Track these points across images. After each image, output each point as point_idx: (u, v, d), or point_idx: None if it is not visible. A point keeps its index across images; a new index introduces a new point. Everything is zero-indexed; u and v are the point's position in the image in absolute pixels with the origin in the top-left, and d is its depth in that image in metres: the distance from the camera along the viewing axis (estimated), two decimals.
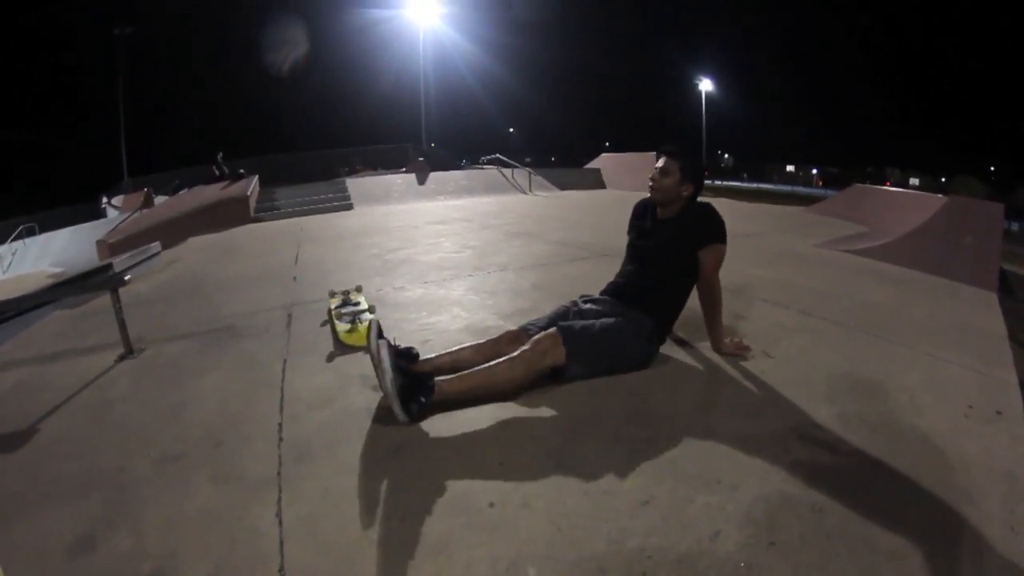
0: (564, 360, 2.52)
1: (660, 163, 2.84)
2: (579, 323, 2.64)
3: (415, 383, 2.23)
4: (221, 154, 19.10)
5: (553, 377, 2.56)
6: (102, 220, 17.69)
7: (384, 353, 2.17)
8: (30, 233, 18.47)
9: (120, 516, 1.84)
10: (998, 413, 2.34)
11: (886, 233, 6.36)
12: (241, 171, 14.45)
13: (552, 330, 2.55)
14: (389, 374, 2.15)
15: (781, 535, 1.63)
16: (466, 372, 2.38)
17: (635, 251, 3.01)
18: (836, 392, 2.53)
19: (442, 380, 2.29)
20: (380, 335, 2.43)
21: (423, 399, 2.25)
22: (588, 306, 2.89)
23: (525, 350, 2.46)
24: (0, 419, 2.62)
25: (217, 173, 17.95)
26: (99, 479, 2.07)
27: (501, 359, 2.45)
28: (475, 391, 2.38)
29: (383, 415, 2.38)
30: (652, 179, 2.87)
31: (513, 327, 2.85)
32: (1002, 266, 4.95)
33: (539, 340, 2.50)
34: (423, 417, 2.29)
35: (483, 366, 2.43)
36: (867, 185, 9.61)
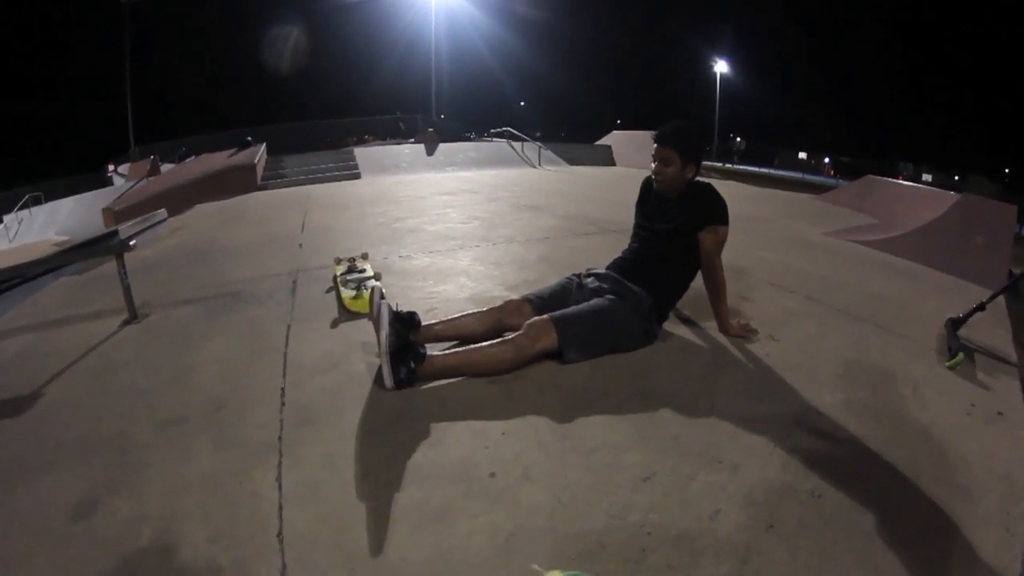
0: (557, 346, 2.50)
1: (657, 151, 2.79)
2: (572, 310, 2.60)
3: (408, 348, 2.24)
4: (399, 112, 19.48)
5: (554, 358, 2.54)
6: (108, 188, 17.61)
7: (384, 313, 2.18)
8: (36, 202, 18.40)
9: (121, 481, 1.85)
10: (999, 414, 2.32)
11: (896, 226, 6.28)
12: (249, 138, 14.36)
13: (545, 317, 2.52)
14: (386, 330, 2.16)
15: (780, 518, 1.63)
16: (457, 349, 2.38)
17: (639, 230, 2.99)
18: (840, 379, 2.51)
19: (433, 352, 2.29)
20: (382, 299, 2.43)
21: (412, 364, 2.26)
22: (591, 280, 2.88)
23: (519, 335, 2.45)
24: (5, 385, 2.62)
25: (402, 128, 18.20)
26: (101, 444, 2.07)
27: (493, 341, 2.43)
28: (462, 368, 2.37)
29: None
30: (655, 172, 2.83)
31: (517, 297, 2.85)
32: (1010, 269, 4.89)
33: (532, 325, 2.48)
34: (410, 384, 2.30)
35: (474, 346, 2.41)
36: (879, 177, 9.47)
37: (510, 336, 2.45)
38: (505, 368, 2.40)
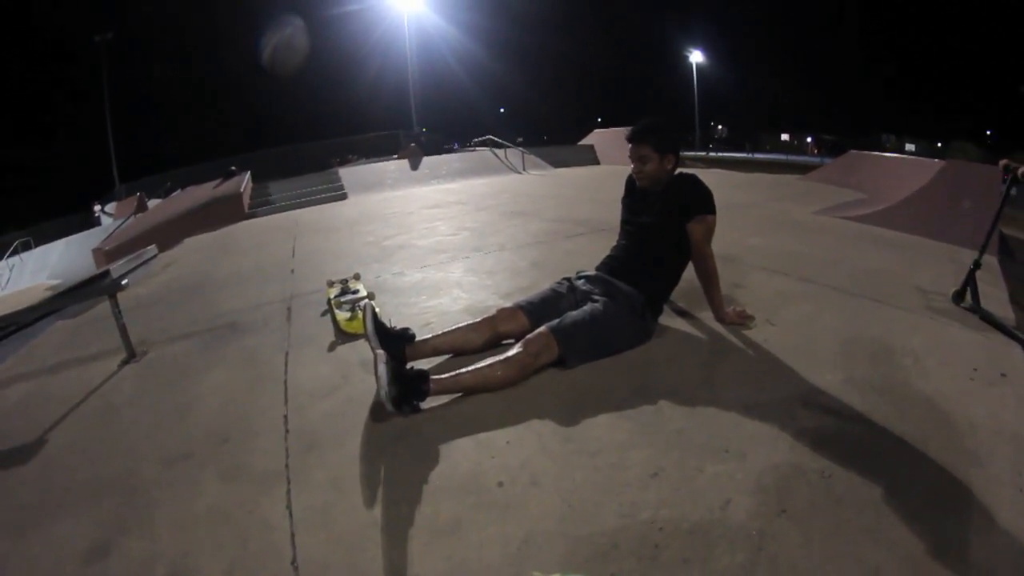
0: (559, 356, 2.49)
1: (633, 150, 2.81)
2: (570, 318, 2.58)
3: (411, 388, 2.21)
4: (424, 129, 20.06)
5: (554, 365, 2.53)
6: (97, 228, 17.67)
7: (381, 367, 2.14)
8: (26, 248, 18.45)
9: (132, 520, 1.85)
10: (1003, 375, 2.33)
11: (884, 199, 6.33)
12: (232, 168, 14.35)
13: (544, 330, 2.50)
14: (385, 389, 2.12)
15: (792, 502, 1.63)
16: (461, 371, 2.35)
17: (627, 225, 2.99)
18: (840, 357, 2.52)
19: (436, 379, 2.27)
20: (377, 322, 2.42)
21: (416, 402, 2.24)
22: (582, 283, 2.89)
23: (519, 353, 2.41)
24: (9, 432, 2.62)
25: (423, 142, 18.86)
26: (109, 485, 2.07)
27: (495, 360, 2.39)
28: (467, 390, 2.36)
29: None
30: (635, 171, 2.85)
31: (510, 304, 2.84)
32: (1001, 230, 4.92)
33: (531, 341, 2.45)
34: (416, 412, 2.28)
35: (477, 367, 2.38)
36: (863, 151, 9.54)
37: (511, 352, 2.42)
38: (510, 385, 2.39)
